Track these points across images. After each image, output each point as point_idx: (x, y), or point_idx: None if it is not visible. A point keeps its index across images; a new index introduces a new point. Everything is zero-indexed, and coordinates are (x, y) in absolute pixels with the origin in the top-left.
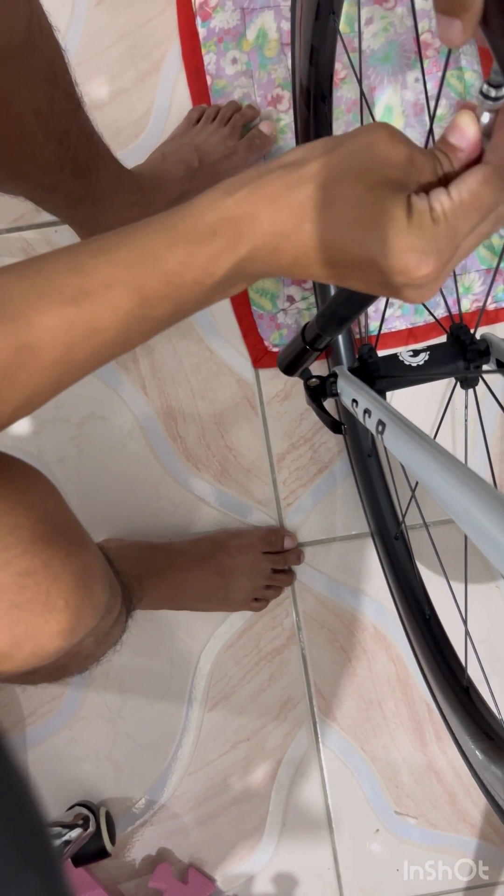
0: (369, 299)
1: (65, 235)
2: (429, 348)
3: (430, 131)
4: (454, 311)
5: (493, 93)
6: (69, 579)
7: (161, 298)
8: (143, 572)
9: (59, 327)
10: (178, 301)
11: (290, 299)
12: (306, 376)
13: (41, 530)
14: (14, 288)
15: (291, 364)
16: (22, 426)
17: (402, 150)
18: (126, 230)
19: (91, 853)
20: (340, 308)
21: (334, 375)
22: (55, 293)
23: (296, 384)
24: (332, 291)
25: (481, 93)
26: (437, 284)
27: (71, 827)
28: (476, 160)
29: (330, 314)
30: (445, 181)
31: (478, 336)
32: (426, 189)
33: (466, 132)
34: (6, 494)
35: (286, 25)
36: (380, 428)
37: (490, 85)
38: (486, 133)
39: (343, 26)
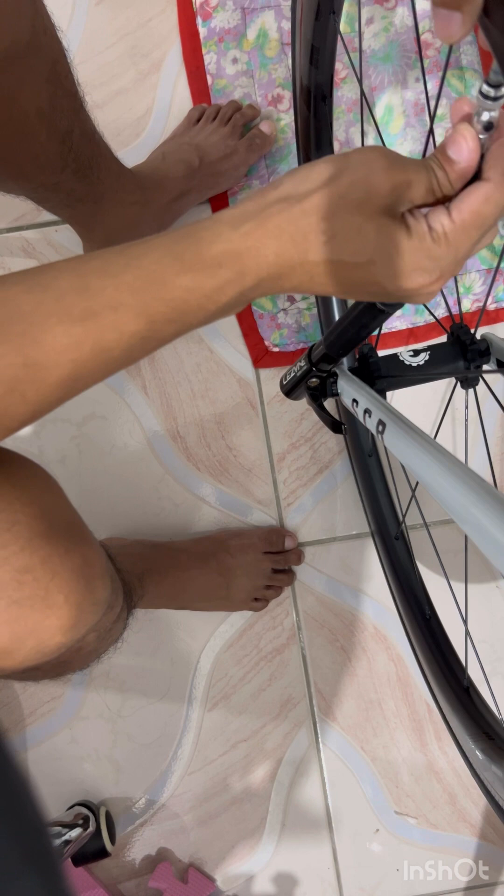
0: (376, 321)
1: (65, 235)
2: (429, 348)
3: (431, 131)
4: (454, 311)
5: (492, 93)
6: (69, 575)
7: (166, 321)
8: (145, 571)
9: (67, 346)
10: (182, 323)
11: (291, 299)
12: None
13: (39, 526)
14: (22, 303)
15: (294, 388)
16: None
17: (399, 176)
18: (131, 251)
19: (91, 853)
20: (347, 328)
21: (334, 375)
22: (63, 312)
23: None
24: (335, 301)
25: (481, 93)
26: (437, 291)
27: (71, 826)
28: (473, 174)
29: (337, 335)
30: (443, 197)
31: (478, 336)
32: (426, 203)
33: (464, 146)
34: (4, 490)
35: (287, 25)
36: (380, 428)
37: (489, 85)
38: (487, 127)
39: (343, 26)
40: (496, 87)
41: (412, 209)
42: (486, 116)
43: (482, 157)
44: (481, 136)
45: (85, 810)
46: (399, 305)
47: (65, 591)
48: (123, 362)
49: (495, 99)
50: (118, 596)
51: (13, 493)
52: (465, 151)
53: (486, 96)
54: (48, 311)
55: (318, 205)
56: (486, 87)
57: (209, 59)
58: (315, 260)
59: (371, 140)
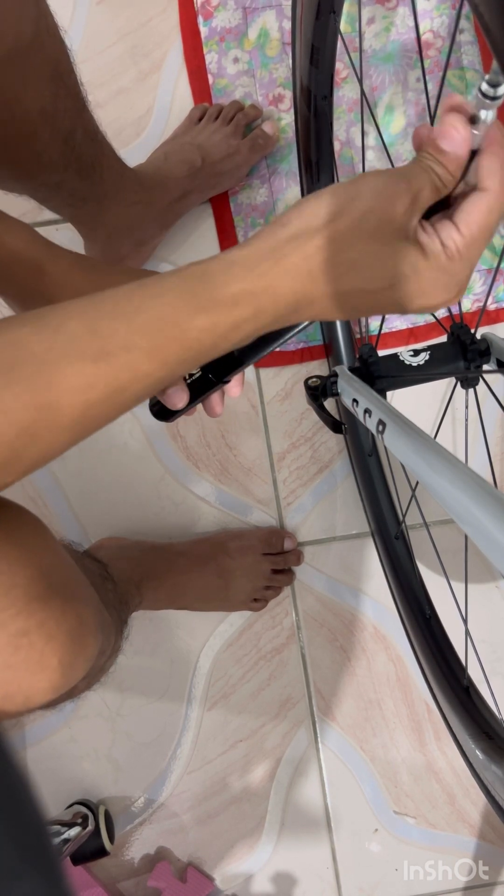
0: None
1: (66, 234)
2: (429, 348)
3: None
4: (455, 310)
5: (491, 92)
6: (63, 638)
7: (179, 361)
8: (144, 576)
9: (80, 387)
10: (195, 360)
11: None
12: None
13: (37, 589)
14: (33, 345)
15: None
16: None
17: (406, 198)
18: (142, 293)
19: (90, 852)
20: None
21: (335, 375)
22: (75, 354)
23: (296, 383)
24: None
25: (480, 91)
26: (455, 302)
27: (70, 825)
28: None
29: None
30: (446, 191)
31: (478, 336)
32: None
33: (455, 135)
34: (5, 551)
35: (288, 25)
36: (380, 427)
37: (489, 84)
38: (473, 120)
39: (344, 26)
40: (495, 86)
41: (423, 225)
42: (483, 114)
43: (475, 153)
44: (475, 133)
45: (84, 809)
46: None
47: (59, 654)
48: (134, 402)
49: (494, 98)
50: (109, 640)
51: (12, 555)
52: (457, 140)
53: (485, 95)
54: (60, 353)
55: (333, 239)
56: (485, 86)
57: (210, 58)
58: (334, 292)
59: (372, 140)
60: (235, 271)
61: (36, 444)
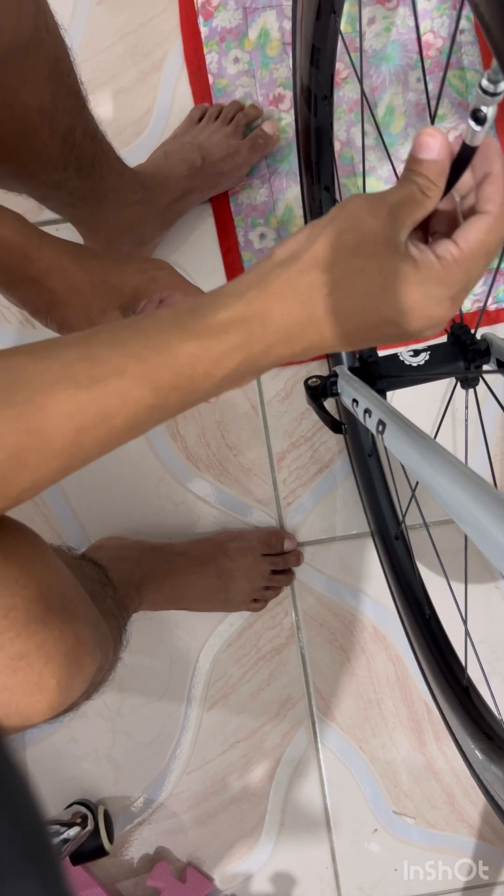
0: None
1: (66, 234)
2: (429, 348)
3: None
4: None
5: (492, 88)
6: (62, 659)
7: (171, 389)
8: (143, 577)
9: (71, 413)
10: (188, 390)
11: None
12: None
13: (36, 610)
14: (28, 371)
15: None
16: None
17: (381, 212)
18: (137, 324)
19: (89, 851)
20: None
21: (335, 375)
22: (68, 379)
23: (296, 383)
24: None
25: (481, 87)
26: (448, 319)
27: (69, 825)
28: (451, 180)
29: None
30: (435, 210)
31: (478, 336)
32: (425, 231)
33: (431, 142)
34: (5, 572)
35: (288, 25)
36: (380, 428)
37: (489, 80)
38: (483, 121)
39: (344, 26)
40: (495, 83)
41: (416, 243)
42: (483, 110)
43: (467, 160)
44: (477, 129)
45: (83, 809)
46: None
47: (57, 676)
48: (127, 432)
49: (494, 94)
50: (108, 654)
51: (13, 575)
52: (433, 146)
53: (485, 91)
54: (53, 379)
55: (315, 260)
56: (485, 83)
57: (210, 58)
58: (324, 312)
59: (372, 140)
60: (225, 300)
61: (24, 469)
